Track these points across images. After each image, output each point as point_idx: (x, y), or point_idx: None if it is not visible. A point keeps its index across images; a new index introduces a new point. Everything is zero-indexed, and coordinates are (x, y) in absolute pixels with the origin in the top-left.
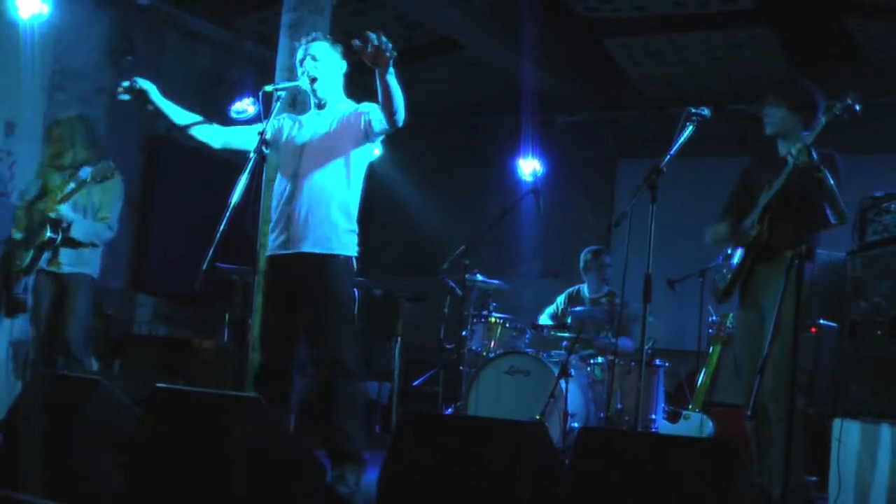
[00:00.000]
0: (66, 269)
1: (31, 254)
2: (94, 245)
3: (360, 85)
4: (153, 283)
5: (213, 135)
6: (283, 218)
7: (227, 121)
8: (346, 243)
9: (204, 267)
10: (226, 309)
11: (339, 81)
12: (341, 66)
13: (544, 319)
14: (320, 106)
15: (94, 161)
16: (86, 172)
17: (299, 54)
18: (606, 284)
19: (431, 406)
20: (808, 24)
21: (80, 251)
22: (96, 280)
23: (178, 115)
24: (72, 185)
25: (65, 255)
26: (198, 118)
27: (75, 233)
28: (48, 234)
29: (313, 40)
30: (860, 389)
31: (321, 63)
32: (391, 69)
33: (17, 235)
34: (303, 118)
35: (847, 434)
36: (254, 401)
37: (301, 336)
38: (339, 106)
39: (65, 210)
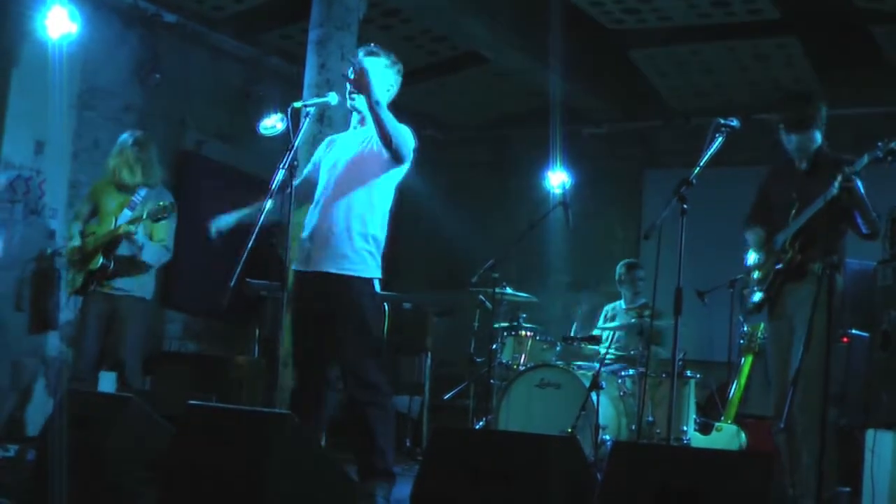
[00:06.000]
0: (118, 291)
1: (82, 276)
2: (152, 267)
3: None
4: (183, 300)
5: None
6: (308, 235)
7: (255, 137)
8: (366, 265)
9: (232, 283)
10: (256, 325)
11: (384, 101)
12: (391, 86)
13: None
14: (363, 122)
15: (154, 185)
16: (142, 195)
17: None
18: (642, 296)
19: (462, 420)
20: (834, 33)
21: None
22: (150, 301)
23: (250, 216)
24: (128, 211)
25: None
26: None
27: (146, 256)
28: (101, 260)
29: (370, 54)
30: (892, 399)
31: (371, 80)
32: (378, 102)
33: (76, 244)
34: (340, 136)
35: (880, 445)
36: (286, 417)
37: (330, 351)
38: None
39: (139, 234)
